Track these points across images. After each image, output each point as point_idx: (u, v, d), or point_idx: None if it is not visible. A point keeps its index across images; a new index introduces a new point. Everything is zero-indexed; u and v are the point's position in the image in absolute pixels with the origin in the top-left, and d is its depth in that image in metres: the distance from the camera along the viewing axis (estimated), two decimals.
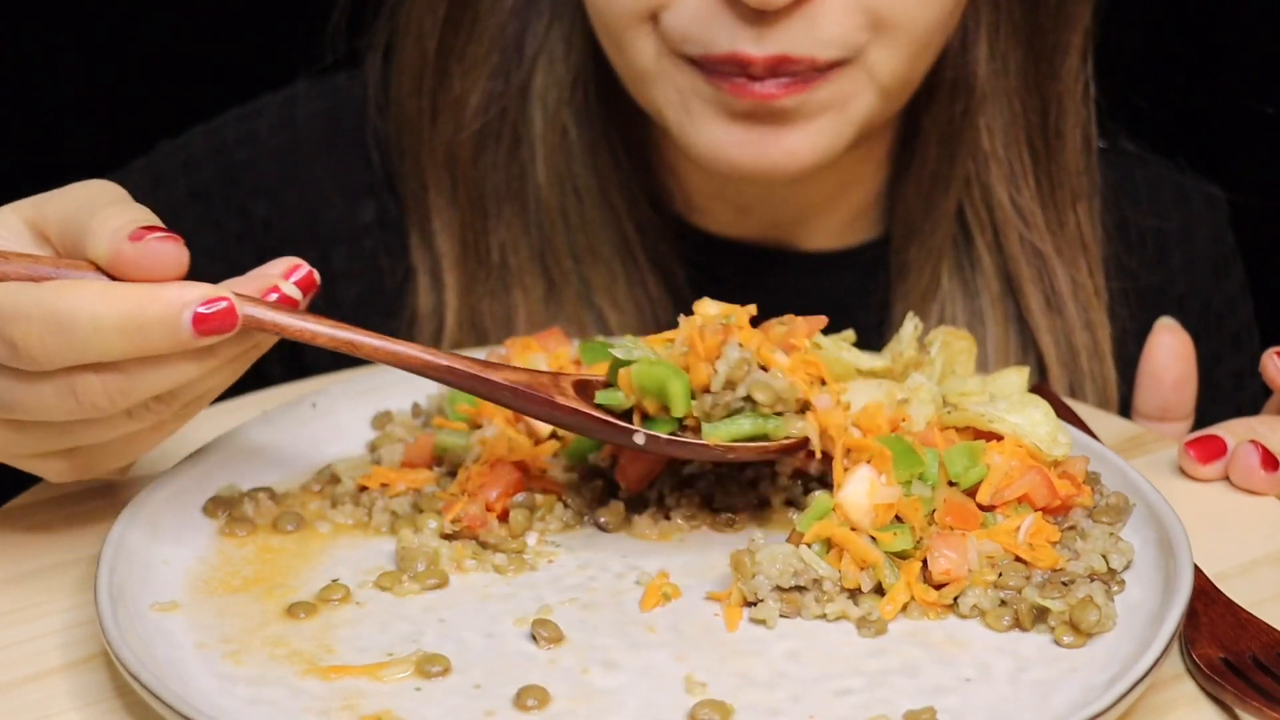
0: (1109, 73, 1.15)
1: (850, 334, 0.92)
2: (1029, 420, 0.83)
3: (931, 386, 0.88)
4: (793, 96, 0.97)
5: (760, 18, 0.94)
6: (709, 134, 1.02)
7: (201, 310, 0.71)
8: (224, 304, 0.71)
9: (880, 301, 1.19)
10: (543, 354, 0.95)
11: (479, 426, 0.90)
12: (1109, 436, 0.96)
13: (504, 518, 0.84)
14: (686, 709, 0.70)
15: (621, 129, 1.15)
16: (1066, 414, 0.95)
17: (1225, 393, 1.25)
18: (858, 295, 1.20)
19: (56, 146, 1.90)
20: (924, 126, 1.14)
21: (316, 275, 0.78)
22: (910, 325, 0.92)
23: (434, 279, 1.18)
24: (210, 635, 0.75)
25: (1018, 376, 0.90)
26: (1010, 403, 0.85)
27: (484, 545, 0.82)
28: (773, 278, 1.20)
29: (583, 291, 1.16)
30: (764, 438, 0.81)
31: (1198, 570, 0.79)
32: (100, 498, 0.90)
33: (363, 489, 0.87)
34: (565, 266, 1.16)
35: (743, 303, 1.18)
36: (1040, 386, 0.98)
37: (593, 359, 0.95)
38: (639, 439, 0.80)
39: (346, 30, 1.18)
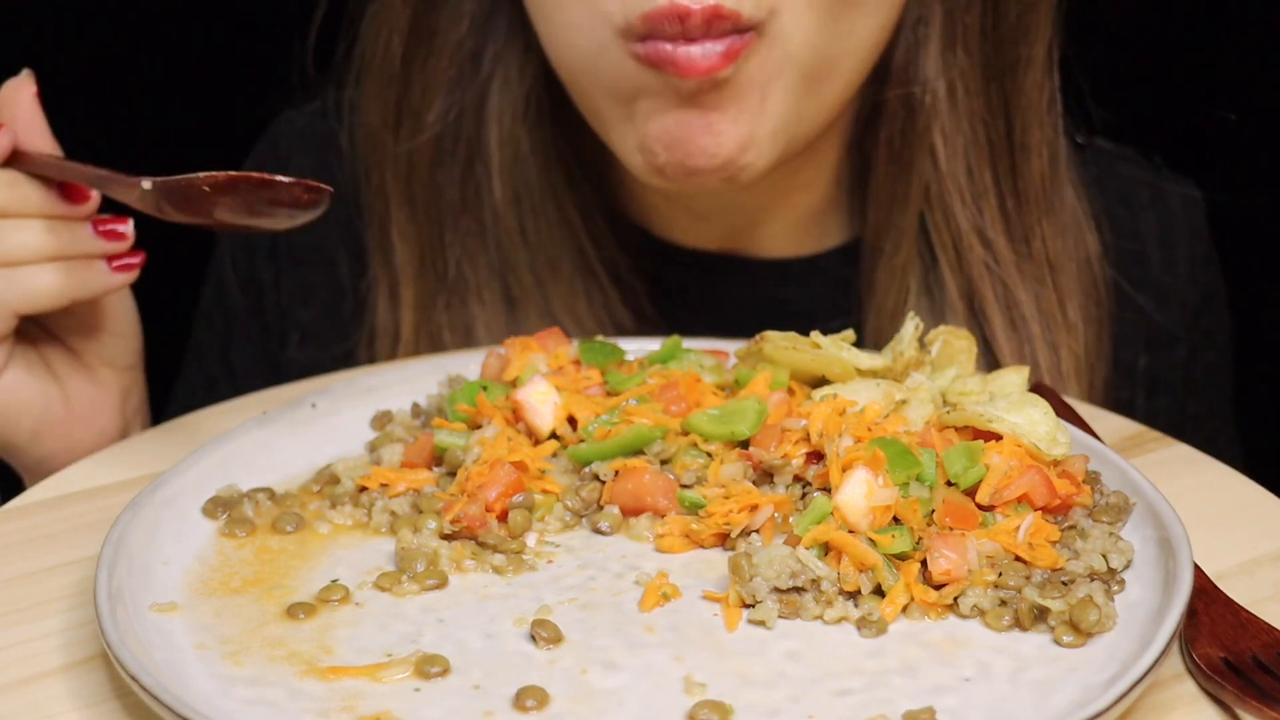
0: (1085, 71, 1.14)
1: (850, 334, 0.92)
2: (1028, 420, 0.83)
3: (931, 386, 0.88)
4: (730, 65, 0.96)
5: None
6: (639, 134, 1.01)
7: None
8: None
9: (845, 309, 1.19)
10: (543, 354, 0.95)
11: (479, 427, 0.90)
12: (1109, 435, 0.96)
13: (503, 518, 0.84)
14: (685, 709, 0.69)
15: (576, 144, 1.15)
16: (1066, 413, 0.95)
17: (1200, 385, 1.26)
18: (820, 303, 1.20)
19: None
20: (877, 144, 1.14)
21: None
22: (910, 325, 0.92)
23: (392, 292, 1.19)
24: (209, 636, 0.75)
25: (1017, 376, 0.90)
26: (1010, 402, 0.85)
27: (483, 545, 0.82)
28: (734, 286, 1.20)
29: (543, 306, 1.17)
30: None
31: (1198, 569, 0.79)
32: (100, 498, 0.90)
33: (362, 489, 0.87)
34: (525, 282, 1.17)
35: (705, 311, 1.19)
36: (1040, 385, 0.98)
37: (592, 359, 0.95)
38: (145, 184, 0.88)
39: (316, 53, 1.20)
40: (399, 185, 1.17)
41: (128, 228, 0.95)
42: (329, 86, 1.22)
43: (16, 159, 0.93)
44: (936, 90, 1.10)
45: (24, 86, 0.95)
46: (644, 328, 1.19)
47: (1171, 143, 1.30)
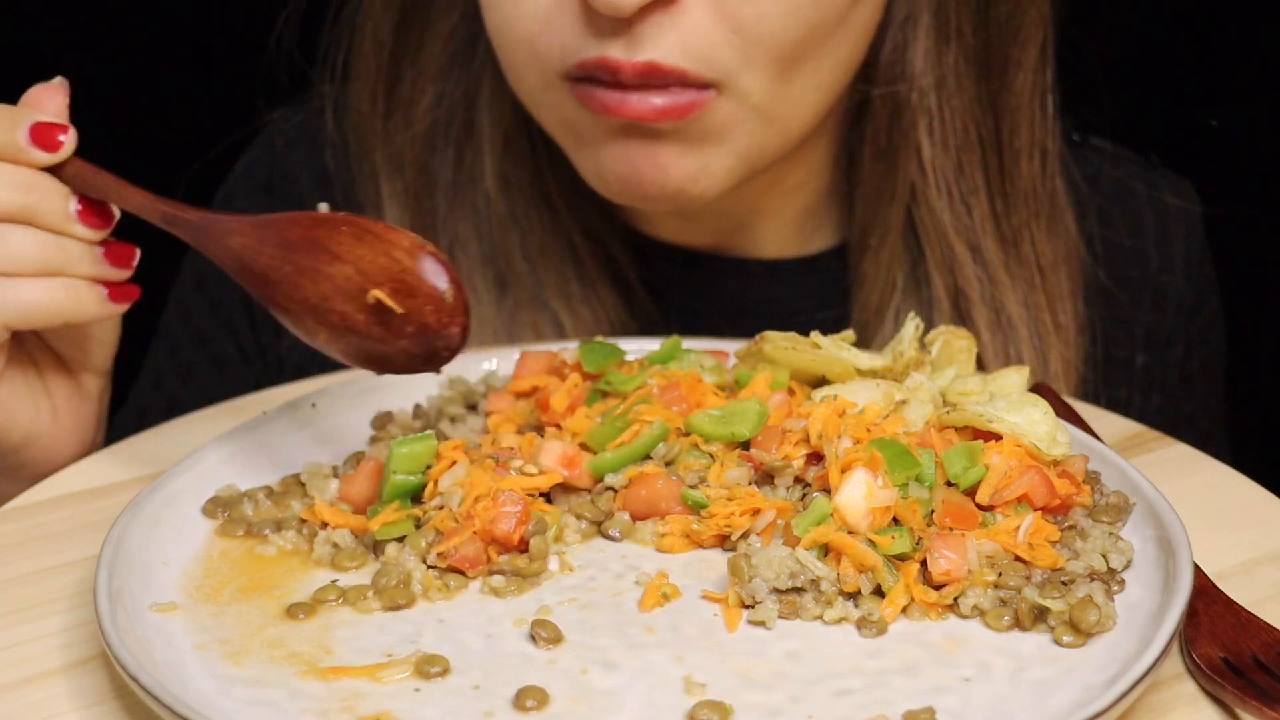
0: (1083, 71, 1.14)
1: (850, 334, 0.92)
2: (1028, 420, 0.83)
3: (931, 386, 0.88)
4: (668, 121, 0.97)
5: (622, 26, 0.94)
6: (593, 160, 1.02)
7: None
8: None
9: (840, 312, 1.19)
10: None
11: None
12: (1109, 435, 0.96)
13: (523, 547, 0.81)
14: (685, 709, 0.70)
15: None
16: (1066, 413, 0.95)
17: (1194, 385, 1.26)
18: (814, 304, 1.20)
19: None
20: (863, 140, 1.14)
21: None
22: (911, 325, 0.92)
23: None
24: (209, 636, 0.75)
25: (1018, 376, 0.90)
26: (1009, 402, 0.85)
27: (501, 573, 0.80)
28: (728, 284, 1.20)
29: (537, 293, 1.17)
30: None
31: (1198, 569, 0.79)
32: (100, 498, 0.90)
33: (303, 521, 0.85)
34: (518, 269, 1.17)
35: (697, 307, 1.19)
36: (1040, 385, 0.98)
37: (593, 360, 0.94)
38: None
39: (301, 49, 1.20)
40: (391, 170, 1.18)
41: (134, 257, 0.91)
42: (321, 84, 1.22)
43: (76, 172, 0.88)
44: (924, 88, 1.10)
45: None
46: (634, 310, 1.19)
47: (1167, 142, 1.29)
